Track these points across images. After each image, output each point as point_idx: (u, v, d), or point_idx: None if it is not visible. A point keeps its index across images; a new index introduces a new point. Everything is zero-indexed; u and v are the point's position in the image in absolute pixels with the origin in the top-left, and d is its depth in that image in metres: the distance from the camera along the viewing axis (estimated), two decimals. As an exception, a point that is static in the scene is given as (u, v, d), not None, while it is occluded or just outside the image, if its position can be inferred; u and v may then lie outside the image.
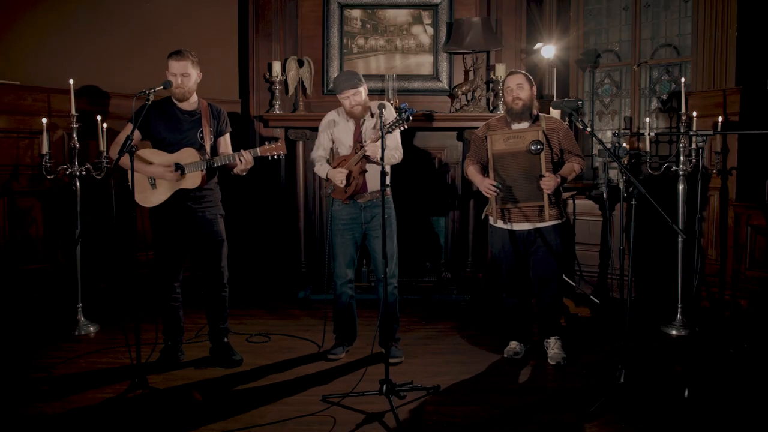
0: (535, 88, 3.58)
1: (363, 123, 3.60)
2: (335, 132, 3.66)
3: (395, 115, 3.41)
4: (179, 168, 3.34)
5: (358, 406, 2.98)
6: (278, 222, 5.26)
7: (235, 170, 3.41)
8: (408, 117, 3.31)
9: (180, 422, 2.84)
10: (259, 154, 3.39)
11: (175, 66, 3.36)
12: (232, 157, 3.37)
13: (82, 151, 4.20)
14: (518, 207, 3.51)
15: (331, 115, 3.70)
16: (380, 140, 3.10)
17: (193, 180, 3.38)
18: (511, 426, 2.83)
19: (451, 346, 3.91)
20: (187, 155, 3.37)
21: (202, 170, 3.38)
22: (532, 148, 3.39)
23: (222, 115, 3.57)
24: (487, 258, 3.66)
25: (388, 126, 3.32)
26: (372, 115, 3.58)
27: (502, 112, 3.78)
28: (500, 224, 3.61)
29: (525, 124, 3.55)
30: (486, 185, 3.47)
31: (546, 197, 3.43)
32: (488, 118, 5.11)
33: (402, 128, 3.43)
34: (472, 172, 3.63)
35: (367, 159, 3.48)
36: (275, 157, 3.41)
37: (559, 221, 3.57)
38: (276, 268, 5.27)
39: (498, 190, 3.44)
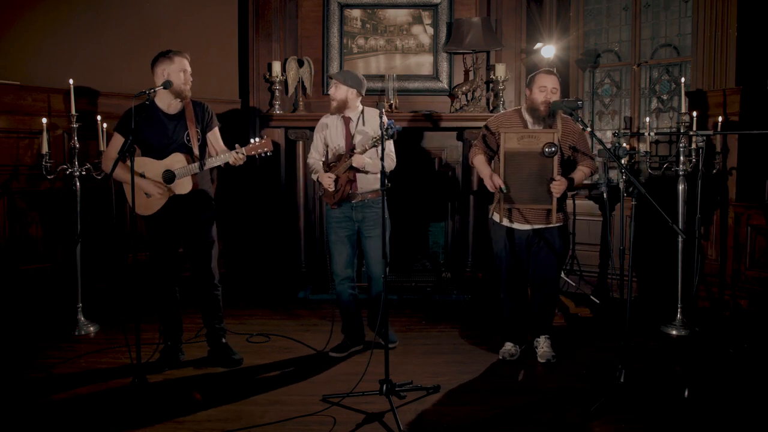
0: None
1: (357, 122, 3.65)
2: (328, 135, 3.73)
3: (381, 123, 3.25)
4: (168, 177, 3.31)
5: (358, 406, 2.97)
6: (278, 222, 5.26)
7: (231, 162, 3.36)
8: (392, 134, 3.24)
9: (180, 422, 2.84)
10: (245, 154, 3.29)
11: (186, 62, 3.36)
12: (221, 159, 3.33)
13: (81, 151, 4.19)
14: (525, 208, 3.48)
15: (324, 119, 3.79)
16: (369, 151, 3.38)
17: (184, 185, 3.35)
18: (511, 426, 2.83)
19: (451, 346, 3.91)
20: (175, 161, 3.34)
21: (193, 174, 3.35)
22: (546, 150, 3.32)
23: (206, 110, 3.49)
24: (491, 256, 3.65)
25: (371, 142, 3.43)
26: (361, 120, 3.65)
27: (524, 106, 3.58)
28: (505, 222, 3.58)
29: (542, 126, 3.48)
30: (493, 184, 3.44)
31: (554, 201, 3.40)
32: (488, 119, 5.14)
33: (388, 140, 3.48)
34: (480, 162, 3.56)
35: (353, 169, 3.55)
36: (262, 155, 3.32)
37: (563, 223, 3.57)
38: (276, 268, 5.27)
39: (502, 193, 3.43)
